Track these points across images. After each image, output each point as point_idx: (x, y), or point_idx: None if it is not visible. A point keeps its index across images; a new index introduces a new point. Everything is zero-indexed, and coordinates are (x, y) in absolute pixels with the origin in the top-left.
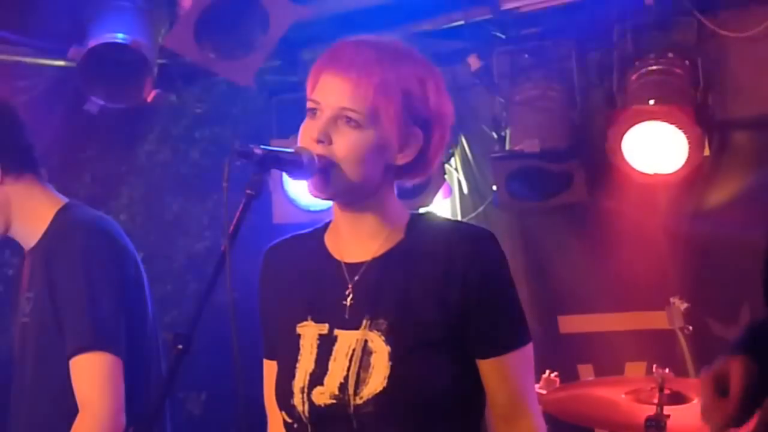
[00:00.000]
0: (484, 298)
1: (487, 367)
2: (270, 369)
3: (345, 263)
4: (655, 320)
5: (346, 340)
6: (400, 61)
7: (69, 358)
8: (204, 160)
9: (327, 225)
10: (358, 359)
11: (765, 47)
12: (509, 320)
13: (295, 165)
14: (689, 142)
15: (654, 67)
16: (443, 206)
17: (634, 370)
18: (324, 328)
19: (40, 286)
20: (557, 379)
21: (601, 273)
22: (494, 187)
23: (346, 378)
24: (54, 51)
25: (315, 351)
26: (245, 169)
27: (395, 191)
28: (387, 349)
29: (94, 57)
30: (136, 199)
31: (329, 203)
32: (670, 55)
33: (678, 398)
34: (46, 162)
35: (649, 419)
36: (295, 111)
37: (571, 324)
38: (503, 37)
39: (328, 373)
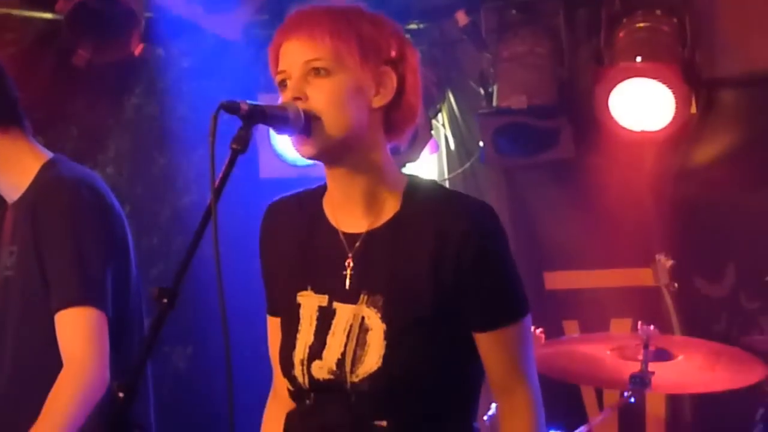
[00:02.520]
0: (478, 274)
1: (483, 340)
2: (273, 325)
3: (343, 233)
4: (641, 277)
5: (345, 314)
6: (348, 11)
7: (54, 312)
8: (191, 114)
9: (325, 187)
10: (355, 336)
11: (753, 5)
12: (505, 294)
13: (282, 120)
14: (676, 100)
15: (641, 24)
16: (430, 162)
17: (620, 326)
18: (324, 299)
19: (25, 240)
20: (542, 335)
21: (587, 229)
22: (481, 143)
23: (344, 354)
24: (42, 3)
25: (314, 323)
26: (232, 124)
27: (388, 150)
28: (382, 326)
29: (81, 10)
30: (122, 153)
31: None
32: (658, 12)
33: (663, 355)
34: (32, 115)
35: (633, 375)
36: None
37: (556, 280)
38: None
39: (326, 347)
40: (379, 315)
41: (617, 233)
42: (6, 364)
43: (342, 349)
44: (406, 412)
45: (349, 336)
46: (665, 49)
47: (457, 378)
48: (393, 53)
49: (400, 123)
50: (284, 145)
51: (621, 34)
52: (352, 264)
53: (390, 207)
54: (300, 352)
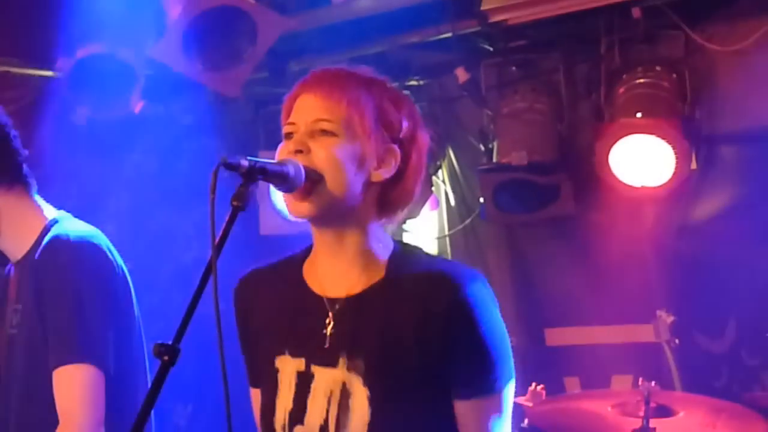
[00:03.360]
0: (460, 344)
1: (460, 408)
2: (256, 396)
3: (322, 297)
4: (642, 333)
5: (324, 378)
6: (372, 82)
7: (52, 369)
8: (191, 172)
9: (306, 253)
10: (337, 401)
11: (752, 61)
12: (485, 366)
13: (282, 176)
14: (676, 156)
15: (641, 81)
16: (430, 218)
17: (621, 382)
18: (301, 363)
19: (29, 298)
20: (543, 392)
21: (588, 286)
22: (481, 200)
23: (326, 420)
24: (42, 61)
25: (293, 388)
26: (232, 181)
27: (378, 223)
28: (365, 392)
29: (81, 68)
30: (123, 210)
31: None
32: (658, 68)
33: (664, 411)
34: (33, 172)
35: None
36: None
37: (557, 336)
38: (491, 49)
39: (308, 412)
40: (361, 380)
41: (618, 289)
42: (11, 422)
43: (324, 414)
44: None
45: (330, 401)
46: (665, 105)
47: None
48: (404, 133)
49: (394, 202)
50: (284, 203)
51: (621, 90)
52: (332, 327)
53: (374, 273)
54: (280, 418)
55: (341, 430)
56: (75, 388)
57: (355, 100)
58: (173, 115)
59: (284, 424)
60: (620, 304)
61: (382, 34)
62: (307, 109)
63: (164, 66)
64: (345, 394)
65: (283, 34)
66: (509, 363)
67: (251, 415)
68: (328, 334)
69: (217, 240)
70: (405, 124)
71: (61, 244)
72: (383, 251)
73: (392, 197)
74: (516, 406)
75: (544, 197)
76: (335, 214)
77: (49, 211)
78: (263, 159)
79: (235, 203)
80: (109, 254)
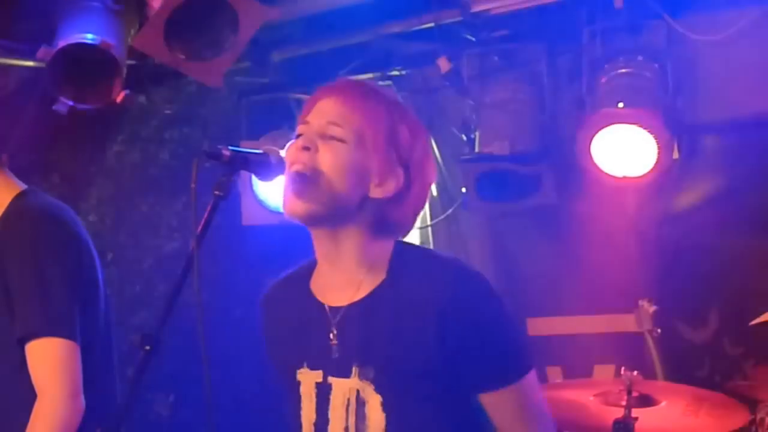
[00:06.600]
0: (466, 341)
1: (487, 400)
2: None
3: (327, 306)
4: (624, 323)
5: (340, 388)
6: (396, 106)
7: (23, 343)
8: (173, 161)
9: (315, 263)
10: (354, 410)
11: (734, 51)
12: (498, 358)
13: (264, 166)
14: (658, 146)
15: (623, 70)
16: None
17: (603, 372)
18: (319, 375)
19: None
20: None
21: (570, 275)
22: (463, 190)
23: (347, 429)
24: (23, 51)
25: (314, 400)
26: (214, 171)
27: (373, 234)
28: (378, 398)
29: (63, 57)
30: (105, 200)
31: None
32: (640, 58)
33: (646, 401)
34: (14, 162)
35: (617, 421)
36: (265, 112)
37: (539, 326)
38: (473, 39)
39: (330, 423)
40: (372, 387)
41: (600, 279)
42: None
43: (344, 424)
44: None
45: (348, 410)
46: (647, 95)
47: None
48: (413, 160)
49: (391, 224)
50: (266, 193)
51: (603, 80)
52: (337, 336)
53: (375, 277)
54: (307, 429)
55: None
56: (47, 362)
57: (372, 113)
58: (155, 105)
59: None
60: (602, 293)
61: (364, 24)
62: (323, 111)
63: (146, 56)
64: (360, 402)
65: (265, 23)
66: (524, 349)
67: (232, 404)
68: (335, 344)
69: (199, 230)
70: (416, 153)
71: (22, 217)
72: (381, 255)
73: (390, 218)
74: None
75: (526, 187)
76: (329, 217)
77: (19, 185)
78: (245, 149)
79: (216, 193)
80: (73, 227)
